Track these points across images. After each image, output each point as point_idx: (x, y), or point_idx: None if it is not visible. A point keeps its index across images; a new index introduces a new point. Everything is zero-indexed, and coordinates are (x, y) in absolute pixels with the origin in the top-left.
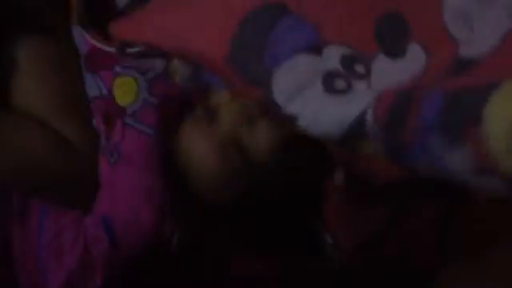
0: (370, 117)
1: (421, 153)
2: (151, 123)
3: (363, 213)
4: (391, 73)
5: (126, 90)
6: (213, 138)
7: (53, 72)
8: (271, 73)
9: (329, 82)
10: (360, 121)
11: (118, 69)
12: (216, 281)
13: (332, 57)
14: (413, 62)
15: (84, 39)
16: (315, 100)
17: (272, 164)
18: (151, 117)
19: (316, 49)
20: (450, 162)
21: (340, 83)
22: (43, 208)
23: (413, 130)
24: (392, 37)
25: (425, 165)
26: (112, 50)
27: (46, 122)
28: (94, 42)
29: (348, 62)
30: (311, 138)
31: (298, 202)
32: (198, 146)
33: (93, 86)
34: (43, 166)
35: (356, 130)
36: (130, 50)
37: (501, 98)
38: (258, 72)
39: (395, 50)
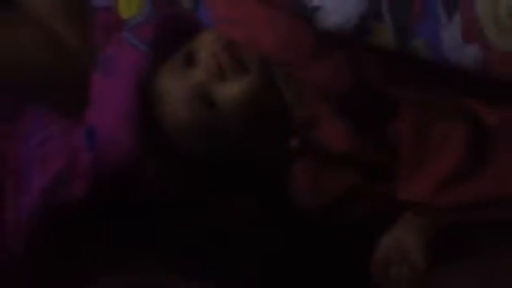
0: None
1: (423, 28)
2: (148, 40)
3: (329, 175)
4: None
5: (130, 1)
6: (185, 85)
7: None
8: None
9: None
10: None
11: None
12: (195, 223)
13: None
14: None
15: None
16: None
17: (238, 118)
18: (150, 34)
19: None
20: (446, 34)
21: None
22: (35, 113)
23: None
24: None
25: (424, 43)
26: None
27: (44, 23)
28: None
29: None
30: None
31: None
32: (171, 90)
33: None
34: (33, 62)
35: (372, 15)
36: None
37: None
38: None
39: None
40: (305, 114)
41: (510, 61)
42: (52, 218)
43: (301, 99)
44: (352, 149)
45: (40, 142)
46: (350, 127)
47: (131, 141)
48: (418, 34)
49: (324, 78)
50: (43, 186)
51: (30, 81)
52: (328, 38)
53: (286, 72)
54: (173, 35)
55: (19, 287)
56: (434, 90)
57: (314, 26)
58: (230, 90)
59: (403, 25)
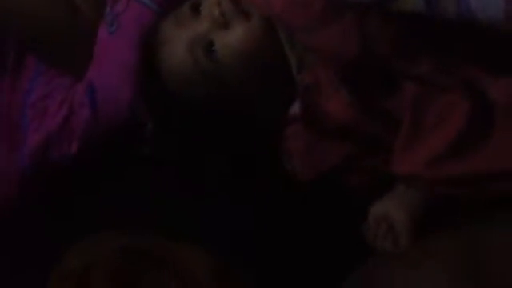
0: None
1: None
2: (159, 1)
3: (323, 144)
4: None
5: None
6: (188, 34)
7: None
8: None
9: None
10: None
11: None
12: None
13: None
14: None
15: None
16: None
17: (238, 68)
18: None
19: None
20: None
21: None
22: (38, 67)
23: None
24: None
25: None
26: None
27: None
28: None
29: None
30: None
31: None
32: (174, 38)
33: None
34: (44, 14)
35: None
36: None
37: None
38: None
39: None
40: (307, 78)
41: None
42: (45, 174)
43: (304, 63)
44: (351, 119)
45: (40, 97)
46: (352, 97)
47: (131, 96)
48: None
49: (330, 44)
50: (39, 141)
51: (38, 33)
52: (340, 3)
53: (291, 34)
54: None
55: (9, 245)
56: (445, 61)
57: None
58: (231, 38)
59: None
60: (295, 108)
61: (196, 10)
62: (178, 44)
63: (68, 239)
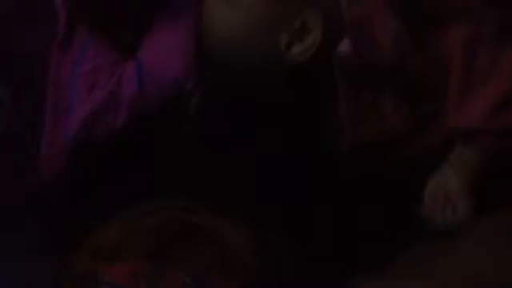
0: None
1: None
2: None
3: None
4: None
5: None
6: None
7: None
8: None
9: None
10: None
11: None
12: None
13: None
14: None
15: None
16: None
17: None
18: None
19: None
20: None
21: None
22: (88, 39)
23: None
24: None
25: None
26: None
27: None
28: None
29: None
30: None
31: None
32: None
33: None
34: None
35: None
36: None
37: None
38: None
39: None
40: (357, 10)
41: None
42: (90, 147)
43: None
44: (400, 53)
45: (90, 70)
46: (401, 28)
47: (179, 73)
48: None
49: None
50: (85, 114)
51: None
52: None
53: None
54: None
55: (53, 217)
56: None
57: None
58: None
59: None
60: (345, 46)
61: None
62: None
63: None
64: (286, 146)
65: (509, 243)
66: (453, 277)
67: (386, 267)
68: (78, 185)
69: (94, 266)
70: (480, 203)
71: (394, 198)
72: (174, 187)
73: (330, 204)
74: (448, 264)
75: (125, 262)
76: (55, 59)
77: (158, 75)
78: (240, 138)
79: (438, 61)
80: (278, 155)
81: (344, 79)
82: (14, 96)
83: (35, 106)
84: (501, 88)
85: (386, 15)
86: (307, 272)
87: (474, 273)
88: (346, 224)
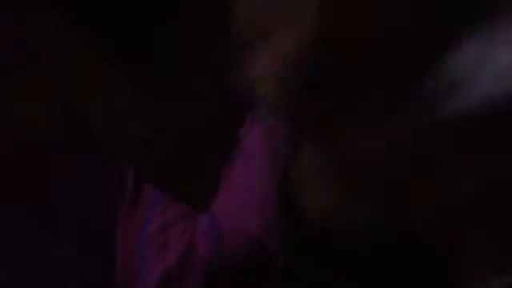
0: None
1: None
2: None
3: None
4: None
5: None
6: None
7: None
8: None
9: None
10: None
11: None
12: None
13: None
14: None
15: None
16: None
17: None
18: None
19: None
20: None
21: None
22: (153, 197)
23: None
24: None
25: None
26: None
27: None
28: None
29: None
30: None
31: None
32: None
33: None
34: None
35: None
36: None
37: None
38: None
39: None
40: None
41: None
42: None
43: None
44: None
45: (158, 229)
46: None
47: (260, 227)
48: None
49: None
50: (158, 277)
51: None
52: None
53: None
54: None
55: None
56: None
57: None
58: None
59: None
60: None
61: None
62: None
63: None
64: None
65: None
66: None
67: None
68: None
69: None
70: None
71: None
72: None
73: None
74: None
75: None
76: (123, 219)
77: (235, 228)
78: None
79: None
80: None
81: None
82: (79, 259)
83: (102, 269)
84: None
85: None
86: None
87: None
88: None
